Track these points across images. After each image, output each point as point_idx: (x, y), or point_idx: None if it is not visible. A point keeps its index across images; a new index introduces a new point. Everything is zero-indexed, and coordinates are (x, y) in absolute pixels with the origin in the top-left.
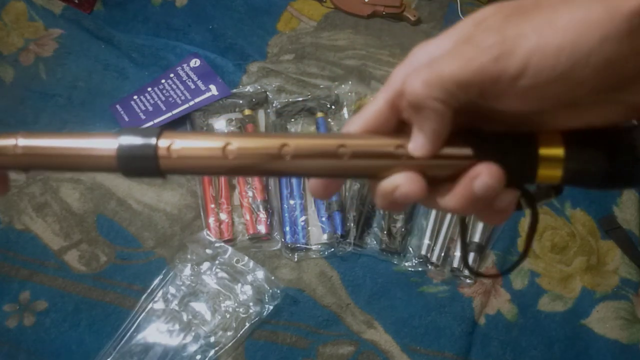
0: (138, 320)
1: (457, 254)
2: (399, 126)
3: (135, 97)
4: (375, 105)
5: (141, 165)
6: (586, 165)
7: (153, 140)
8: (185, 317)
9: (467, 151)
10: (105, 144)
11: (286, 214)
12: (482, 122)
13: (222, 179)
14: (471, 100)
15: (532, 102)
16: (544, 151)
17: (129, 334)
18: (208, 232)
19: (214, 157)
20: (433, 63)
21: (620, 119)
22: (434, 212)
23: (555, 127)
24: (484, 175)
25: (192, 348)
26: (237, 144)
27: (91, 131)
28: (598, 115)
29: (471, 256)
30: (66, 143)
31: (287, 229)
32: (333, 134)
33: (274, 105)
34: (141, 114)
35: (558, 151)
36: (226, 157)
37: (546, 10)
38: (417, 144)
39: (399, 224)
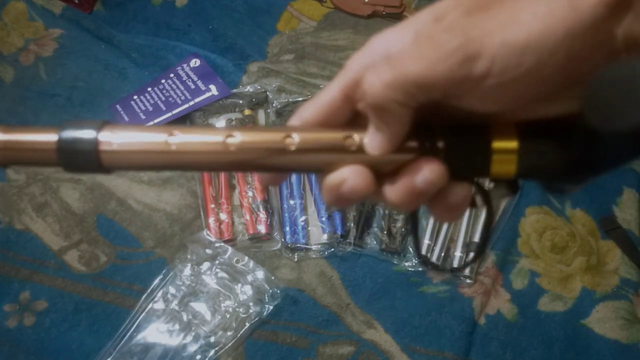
0: (138, 320)
1: (457, 253)
2: (353, 116)
3: (135, 97)
4: (329, 94)
5: (81, 159)
6: (541, 156)
7: (93, 134)
8: (185, 317)
9: (416, 145)
10: (45, 137)
11: (286, 214)
12: (434, 114)
13: (223, 179)
14: (431, 100)
15: (494, 102)
16: (497, 144)
17: (129, 334)
18: (208, 232)
19: (157, 150)
20: (394, 60)
21: (578, 111)
22: None
23: (510, 119)
24: (425, 170)
25: (192, 348)
26: (181, 136)
27: None
28: (556, 108)
29: (471, 256)
30: (7, 137)
31: (287, 229)
32: (280, 126)
33: (274, 105)
34: (141, 114)
35: (511, 144)
36: (170, 151)
37: (508, 3)
38: (374, 143)
39: (399, 224)
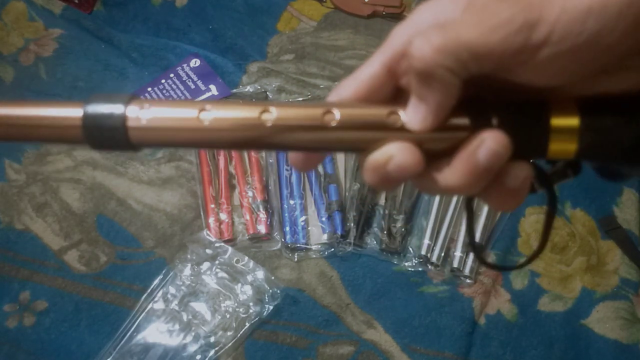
0: (138, 320)
1: (457, 253)
2: (395, 93)
3: None
4: (370, 68)
5: (108, 136)
6: (605, 134)
7: (121, 108)
8: (185, 317)
9: (469, 121)
10: (69, 112)
11: (286, 214)
12: (488, 92)
13: (222, 179)
14: (482, 72)
15: (550, 75)
16: (556, 121)
17: (129, 334)
18: (208, 232)
19: (188, 127)
20: (446, 26)
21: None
22: (434, 212)
23: (569, 95)
24: (488, 141)
25: (192, 348)
26: (214, 111)
27: None
28: (619, 82)
29: (471, 256)
30: (29, 112)
31: (287, 229)
32: (319, 102)
33: None
34: None
35: (572, 121)
36: (202, 127)
37: None
38: (417, 116)
39: (399, 224)
